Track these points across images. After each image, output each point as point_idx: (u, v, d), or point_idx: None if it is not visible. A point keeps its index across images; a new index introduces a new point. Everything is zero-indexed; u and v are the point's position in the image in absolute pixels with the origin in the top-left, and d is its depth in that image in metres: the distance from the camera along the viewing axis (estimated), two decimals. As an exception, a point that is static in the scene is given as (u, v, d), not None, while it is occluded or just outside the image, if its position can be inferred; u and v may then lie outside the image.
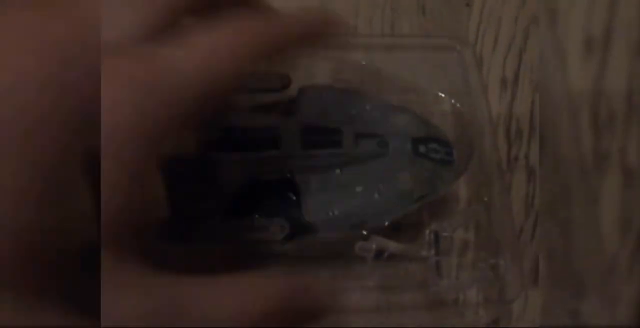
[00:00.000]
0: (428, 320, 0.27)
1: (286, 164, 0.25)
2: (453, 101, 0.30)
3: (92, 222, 0.15)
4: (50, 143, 0.14)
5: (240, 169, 0.25)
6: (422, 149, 0.26)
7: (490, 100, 0.31)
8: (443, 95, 0.30)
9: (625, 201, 0.24)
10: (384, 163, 0.26)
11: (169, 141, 0.17)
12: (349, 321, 0.26)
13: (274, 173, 0.25)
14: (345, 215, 0.25)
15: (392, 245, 0.25)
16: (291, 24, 0.19)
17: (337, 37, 0.21)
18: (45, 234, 0.14)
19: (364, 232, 0.26)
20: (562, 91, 0.25)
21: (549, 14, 0.26)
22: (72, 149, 0.15)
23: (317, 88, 0.27)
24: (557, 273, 0.24)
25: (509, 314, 0.28)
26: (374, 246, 0.25)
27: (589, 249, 0.24)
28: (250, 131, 0.25)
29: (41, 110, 0.14)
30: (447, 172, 0.27)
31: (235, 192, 0.24)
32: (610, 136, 0.24)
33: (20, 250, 0.14)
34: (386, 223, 0.26)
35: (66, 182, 0.15)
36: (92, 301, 0.15)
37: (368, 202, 0.25)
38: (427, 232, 0.26)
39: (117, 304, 0.15)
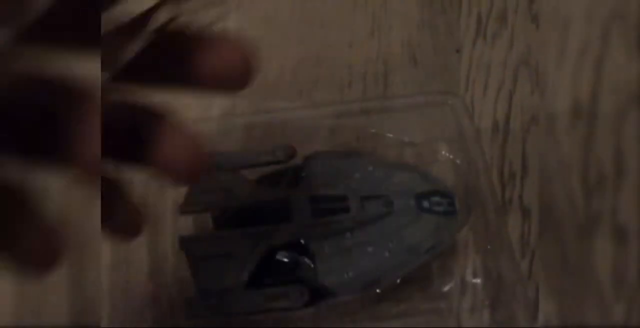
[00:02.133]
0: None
1: (299, 233, 0.27)
2: (447, 154, 0.32)
3: None
4: None
5: (255, 242, 0.27)
6: (425, 203, 0.28)
7: (483, 143, 0.33)
8: (438, 148, 0.32)
9: (617, 258, 0.25)
10: (390, 221, 0.28)
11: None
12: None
13: (288, 243, 0.27)
14: (359, 275, 0.27)
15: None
16: None
17: None
18: None
19: (378, 291, 0.27)
20: (553, 155, 0.26)
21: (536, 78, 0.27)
22: None
23: (321, 155, 0.30)
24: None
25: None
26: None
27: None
28: (261, 205, 0.28)
29: None
30: (451, 222, 0.28)
31: (253, 264, 0.27)
32: (601, 196, 0.25)
33: None
34: (398, 280, 0.28)
35: None
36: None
37: (380, 260, 0.27)
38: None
39: None
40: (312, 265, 0.27)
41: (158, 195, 0.30)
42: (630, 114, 0.25)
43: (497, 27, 0.36)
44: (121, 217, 0.19)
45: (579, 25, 0.27)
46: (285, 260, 0.27)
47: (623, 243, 0.25)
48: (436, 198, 0.28)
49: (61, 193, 0.15)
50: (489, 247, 0.29)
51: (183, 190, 0.29)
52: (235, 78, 0.18)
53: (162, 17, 0.17)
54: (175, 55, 0.17)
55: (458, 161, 0.31)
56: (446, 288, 0.29)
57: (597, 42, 0.27)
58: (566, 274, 0.25)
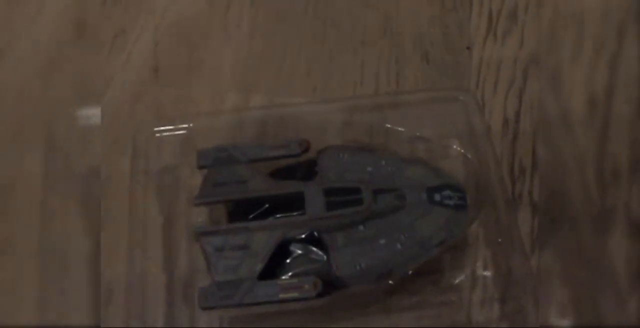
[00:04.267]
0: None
1: (312, 226, 0.27)
2: (459, 148, 0.32)
3: None
4: None
5: (269, 234, 0.27)
6: (436, 197, 0.29)
7: (493, 140, 0.33)
8: (450, 142, 0.32)
9: (632, 253, 0.25)
10: (402, 214, 0.28)
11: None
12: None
13: (302, 235, 0.28)
14: (371, 267, 0.27)
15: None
16: None
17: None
18: None
19: (390, 282, 0.28)
20: (569, 149, 0.27)
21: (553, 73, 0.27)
22: None
23: (334, 149, 0.30)
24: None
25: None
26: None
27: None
28: (275, 197, 0.28)
29: None
30: (462, 216, 0.29)
31: (267, 256, 0.27)
32: (615, 192, 0.26)
33: None
34: (410, 272, 0.28)
35: None
36: None
37: (392, 252, 0.27)
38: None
39: None
40: (325, 257, 0.27)
41: (173, 187, 0.31)
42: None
43: (508, 24, 0.36)
44: None
45: (593, 22, 0.27)
46: (299, 252, 0.28)
47: (638, 238, 0.25)
48: (447, 192, 0.29)
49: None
50: (499, 240, 0.29)
51: (198, 183, 0.29)
52: None
53: None
54: None
55: (469, 156, 0.31)
56: (457, 281, 0.29)
57: (612, 39, 0.27)
58: (579, 268, 0.25)
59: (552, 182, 0.26)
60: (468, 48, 0.36)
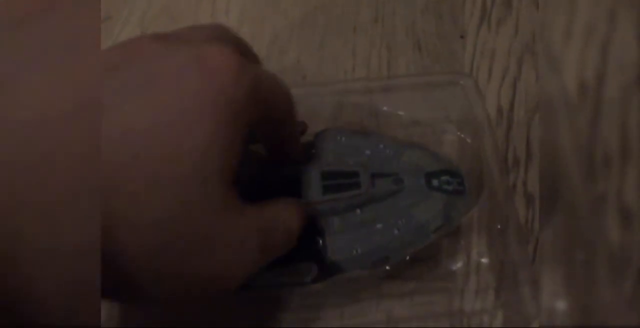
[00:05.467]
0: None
1: (308, 209, 0.26)
2: (458, 133, 0.31)
3: None
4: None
5: None
6: (435, 182, 0.28)
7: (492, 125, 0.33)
8: (448, 127, 0.32)
9: (622, 241, 0.24)
10: (400, 199, 0.27)
11: None
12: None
13: None
14: (368, 252, 0.26)
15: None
16: None
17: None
18: None
19: (387, 268, 0.27)
20: (562, 133, 0.26)
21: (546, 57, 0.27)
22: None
23: (333, 132, 0.29)
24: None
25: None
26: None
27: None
28: (272, 180, 0.27)
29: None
30: (461, 202, 0.28)
31: None
32: (606, 178, 0.25)
33: None
34: (407, 258, 0.27)
35: None
36: None
37: (388, 238, 0.26)
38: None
39: None
40: (321, 242, 0.26)
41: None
42: (637, 94, 0.25)
43: (502, 13, 0.36)
44: None
45: (584, 7, 0.27)
46: None
47: (628, 224, 0.24)
48: (446, 178, 0.28)
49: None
50: (498, 227, 0.29)
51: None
52: None
53: None
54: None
55: (468, 140, 0.31)
56: (453, 268, 0.29)
57: (603, 23, 0.26)
58: (572, 255, 0.25)
59: (549, 166, 0.26)
60: (462, 37, 0.35)
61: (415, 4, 0.36)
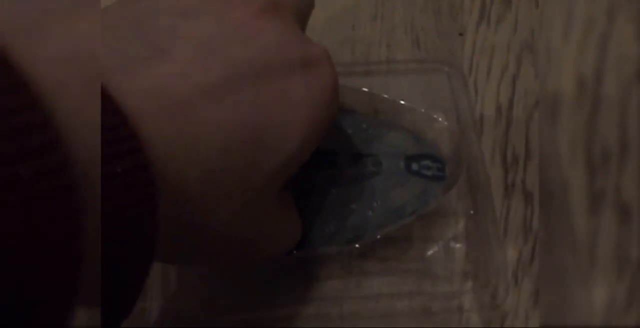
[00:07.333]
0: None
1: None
2: (441, 120, 0.31)
3: None
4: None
5: None
6: (414, 166, 0.28)
7: (486, 127, 0.33)
8: (434, 115, 0.31)
9: (621, 238, 0.24)
10: (378, 181, 0.27)
11: None
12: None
13: None
14: (340, 231, 0.26)
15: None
16: None
17: None
18: None
19: (357, 246, 0.27)
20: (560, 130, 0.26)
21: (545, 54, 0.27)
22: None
23: None
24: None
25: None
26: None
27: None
28: None
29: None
30: (439, 187, 0.28)
31: None
32: (605, 174, 0.25)
33: None
34: (378, 237, 0.27)
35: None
36: None
37: (362, 218, 0.27)
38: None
39: None
40: None
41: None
42: (635, 91, 0.25)
43: (502, 10, 0.35)
44: None
45: (583, 3, 0.27)
46: None
47: (626, 222, 0.24)
48: (426, 162, 0.28)
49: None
50: (471, 212, 0.29)
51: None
52: None
53: None
54: None
55: (451, 128, 0.31)
56: (426, 251, 0.29)
57: (602, 20, 0.26)
58: (569, 253, 0.25)
59: (548, 164, 0.25)
60: (461, 34, 0.35)
61: (415, 1, 0.36)
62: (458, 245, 0.29)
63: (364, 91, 0.32)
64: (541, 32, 0.27)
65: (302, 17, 0.24)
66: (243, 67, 0.19)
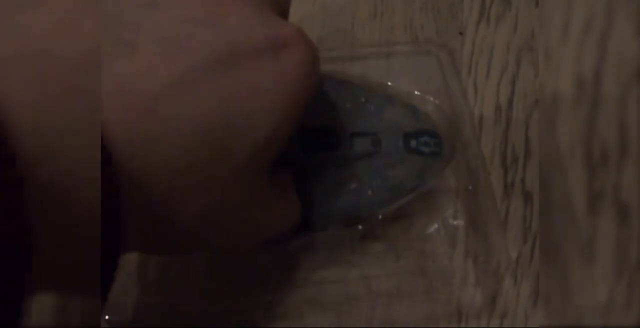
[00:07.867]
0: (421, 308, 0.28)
1: (284, 167, 0.26)
2: (433, 99, 0.31)
3: None
4: None
5: None
6: (413, 143, 0.28)
7: (485, 127, 0.32)
8: (426, 96, 0.31)
9: (620, 237, 0.24)
10: (377, 160, 0.27)
11: None
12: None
13: None
14: (339, 211, 0.26)
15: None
16: None
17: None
18: None
19: (359, 227, 0.27)
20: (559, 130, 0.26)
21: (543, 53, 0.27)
22: None
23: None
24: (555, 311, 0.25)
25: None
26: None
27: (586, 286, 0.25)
28: None
29: None
30: (436, 164, 0.28)
31: None
32: (604, 174, 0.25)
33: None
34: (380, 217, 0.27)
35: None
36: None
37: (362, 198, 0.27)
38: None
39: None
40: None
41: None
42: (634, 90, 0.25)
43: (501, 9, 0.35)
44: None
45: (582, 3, 0.27)
46: None
47: (626, 221, 0.24)
48: (424, 138, 0.28)
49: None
50: (469, 187, 0.29)
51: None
52: None
53: None
54: None
55: (443, 107, 0.31)
56: (427, 230, 0.29)
57: (601, 19, 0.26)
58: (569, 253, 0.25)
59: (548, 164, 0.25)
60: (460, 33, 0.35)
61: (414, 0, 0.36)
62: (458, 222, 0.29)
63: (355, 76, 0.32)
64: (541, 31, 0.27)
65: (278, 1, 0.23)
66: (208, 56, 0.19)
